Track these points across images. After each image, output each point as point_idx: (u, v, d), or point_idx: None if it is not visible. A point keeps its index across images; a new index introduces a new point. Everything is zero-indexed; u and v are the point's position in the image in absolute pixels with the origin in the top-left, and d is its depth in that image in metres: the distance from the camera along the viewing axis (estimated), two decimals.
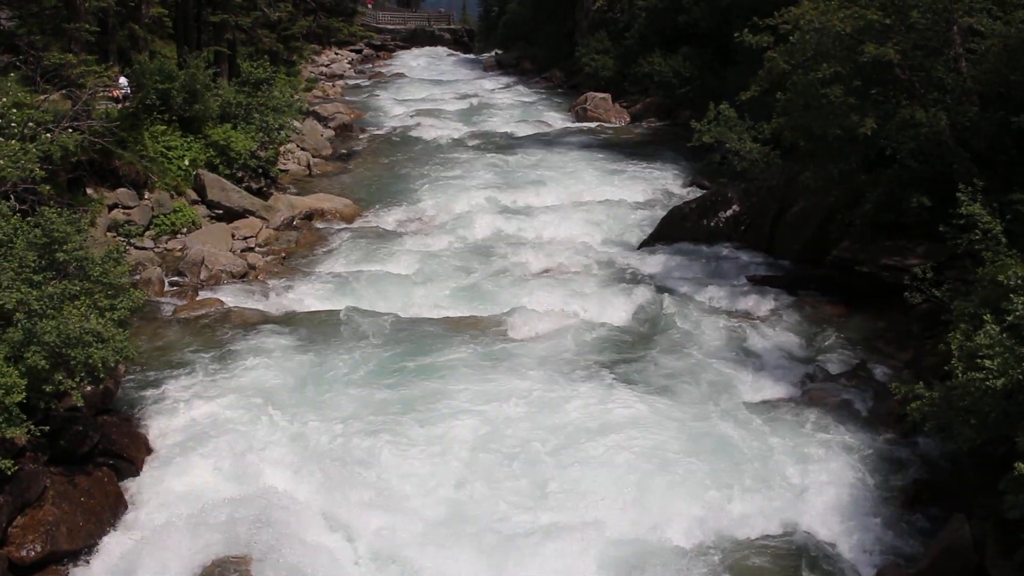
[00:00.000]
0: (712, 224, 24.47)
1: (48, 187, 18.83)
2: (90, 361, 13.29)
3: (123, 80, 27.05)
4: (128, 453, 14.22)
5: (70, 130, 20.49)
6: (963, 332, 12.38)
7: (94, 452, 13.85)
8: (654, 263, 23.23)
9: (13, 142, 18.38)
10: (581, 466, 13.87)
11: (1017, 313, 11.45)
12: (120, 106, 26.40)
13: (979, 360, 11.33)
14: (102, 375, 13.47)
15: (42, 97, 20.95)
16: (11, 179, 17.75)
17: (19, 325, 13.26)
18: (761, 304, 20.28)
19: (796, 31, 18.99)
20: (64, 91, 22.00)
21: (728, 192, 24.95)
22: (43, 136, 19.34)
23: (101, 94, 23.89)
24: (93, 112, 22.66)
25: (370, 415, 15.39)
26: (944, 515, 12.26)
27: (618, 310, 20.47)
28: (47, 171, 19.04)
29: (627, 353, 18.09)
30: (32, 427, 11.98)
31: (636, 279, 22.28)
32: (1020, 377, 10.71)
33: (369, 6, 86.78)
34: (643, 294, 20.95)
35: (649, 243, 25.03)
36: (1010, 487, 10.52)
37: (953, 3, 17.29)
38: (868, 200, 19.24)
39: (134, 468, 14.16)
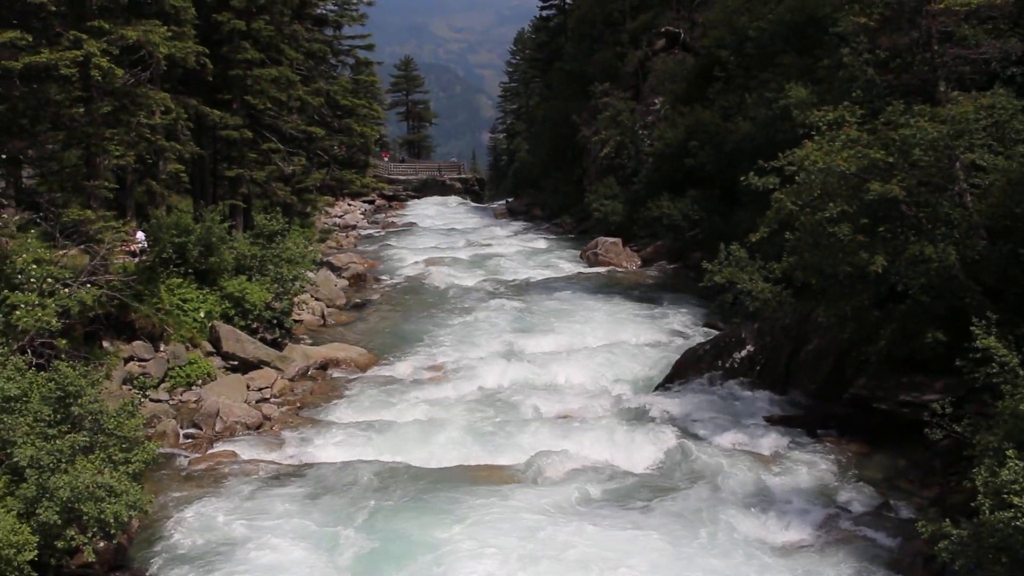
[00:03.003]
0: (727, 365, 24.44)
1: (65, 341, 19.01)
2: (103, 516, 13.20)
3: (140, 235, 27.54)
4: None
5: (88, 285, 20.81)
6: (987, 468, 12.22)
7: None
8: (670, 405, 23.09)
9: (32, 296, 18.63)
10: None
11: None
12: (137, 260, 26.84)
13: (1006, 496, 11.15)
14: (115, 530, 13.37)
15: (61, 253, 21.31)
16: (29, 332, 17.94)
17: (32, 480, 13.22)
18: (780, 444, 20.10)
19: (801, 172, 19.27)
20: (82, 246, 22.37)
21: (741, 332, 25.00)
22: (61, 291, 19.62)
23: (118, 249, 24.29)
24: (110, 267, 23.02)
25: (390, 571, 15.10)
26: None
27: (636, 454, 20.30)
28: (64, 325, 19.26)
29: (646, 498, 17.84)
30: None
31: (653, 422, 22.12)
32: None
33: (385, 159, 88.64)
34: (660, 437, 20.79)
35: (664, 385, 24.97)
36: None
37: (954, 140, 17.61)
38: (882, 336, 19.22)
39: None
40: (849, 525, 16.36)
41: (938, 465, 17.61)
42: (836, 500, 17.43)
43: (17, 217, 20.90)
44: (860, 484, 17.92)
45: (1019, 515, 10.80)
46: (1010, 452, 11.69)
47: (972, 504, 12.53)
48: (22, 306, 18.32)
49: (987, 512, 11.44)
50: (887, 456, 18.88)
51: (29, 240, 20.60)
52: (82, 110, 22.83)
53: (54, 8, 20.61)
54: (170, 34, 25.34)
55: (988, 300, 17.29)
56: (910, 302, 18.52)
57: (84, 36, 21.68)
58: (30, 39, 20.35)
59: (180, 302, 26.77)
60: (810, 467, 18.82)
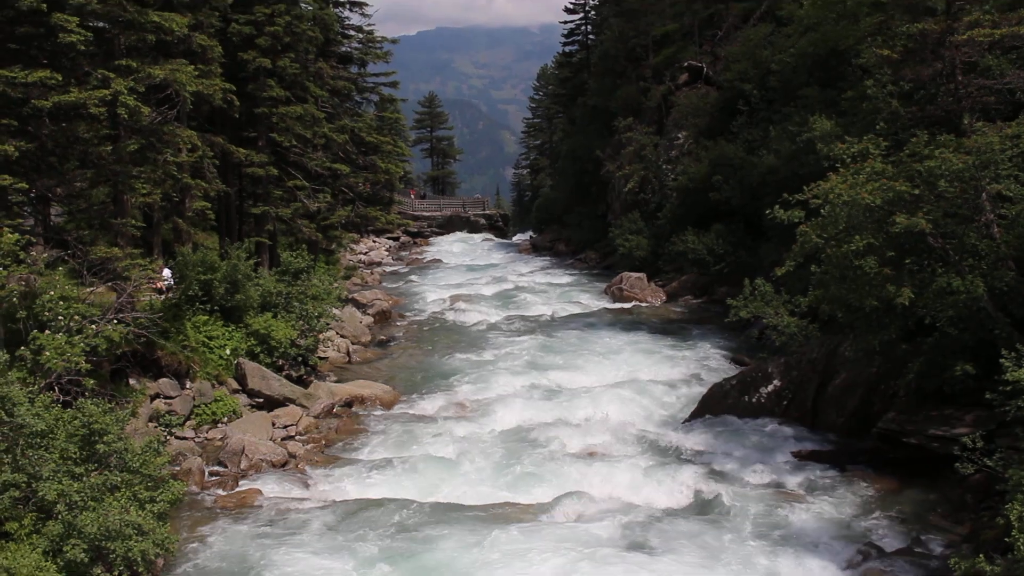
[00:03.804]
0: (753, 400, 24.32)
1: (92, 380, 19.12)
2: (130, 554, 13.25)
3: (167, 272, 27.75)
4: None
5: (115, 322, 20.95)
6: (1021, 502, 12.09)
7: None
8: (697, 441, 22.97)
9: (59, 336, 18.79)
10: None
11: None
12: (163, 297, 27.03)
13: None
14: (141, 569, 13.39)
15: (88, 290, 21.50)
16: (56, 371, 18.09)
17: (59, 517, 13.30)
18: (808, 480, 19.94)
19: (826, 205, 19.25)
20: (109, 283, 22.55)
21: (768, 367, 24.88)
22: (88, 328, 19.77)
23: (145, 286, 24.48)
24: (137, 304, 23.19)
25: None
26: None
27: (662, 491, 20.20)
28: (91, 362, 19.39)
29: (673, 536, 17.67)
30: None
31: (680, 458, 22.01)
32: None
33: (412, 196, 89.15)
34: (688, 474, 20.68)
35: (691, 421, 24.86)
36: None
37: (980, 171, 17.55)
38: (911, 370, 19.11)
39: None
40: (880, 563, 16.14)
41: (970, 500, 17.42)
42: (867, 536, 17.22)
43: (45, 255, 21.13)
44: (891, 520, 17.72)
45: None
46: None
47: (1006, 540, 12.41)
48: (50, 348, 18.47)
49: (1021, 548, 11.30)
50: (918, 491, 18.67)
51: (57, 277, 20.81)
52: (110, 148, 23.10)
53: (83, 47, 20.92)
54: (197, 72, 25.66)
55: (1018, 332, 17.16)
56: (938, 335, 18.43)
57: (112, 75, 21.98)
58: (59, 78, 20.65)
59: (206, 339, 26.93)
60: (839, 503, 18.64)
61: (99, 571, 13.33)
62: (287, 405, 26.20)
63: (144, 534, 13.83)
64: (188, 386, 24.91)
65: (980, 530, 16.22)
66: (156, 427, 22.86)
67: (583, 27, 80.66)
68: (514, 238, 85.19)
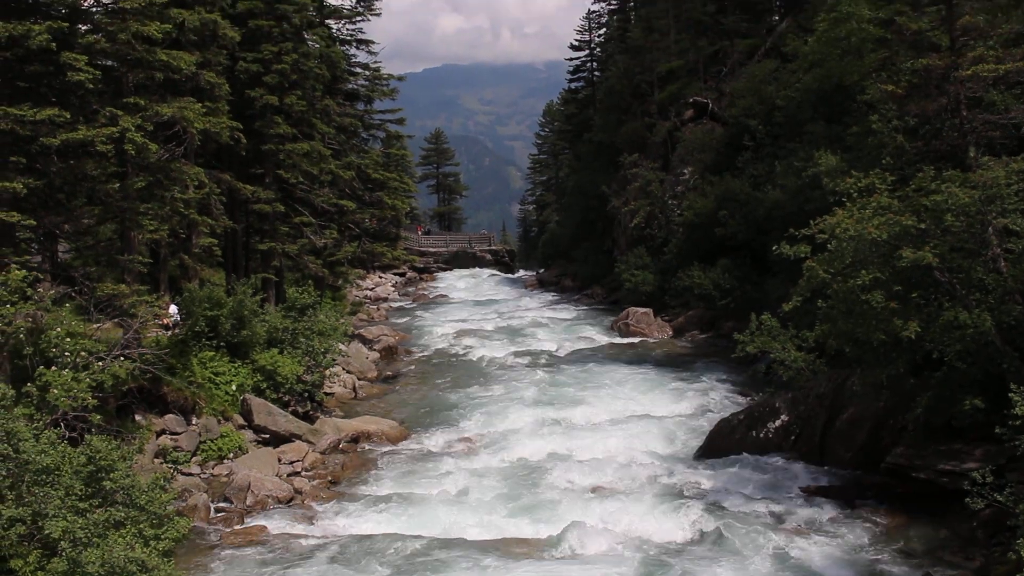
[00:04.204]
0: (761, 435, 24.23)
1: (98, 416, 19.11)
2: None
3: (173, 308, 27.81)
4: None
5: (121, 358, 20.97)
6: None
7: None
8: (704, 477, 22.86)
9: (66, 372, 18.81)
10: None
11: None
12: (170, 333, 27.06)
13: None
14: None
15: (95, 326, 21.54)
16: (62, 408, 18.09)
17: (64, 555, 13.24)
18: (817, 516, 19.82)
19: (833, 240, 19.26)
20: (116, 320, 22.59)
21: (775, 402, 24.80)
22: (95, 365, 19.79)
23: (152, 322, 24.52)
24: (144, 340, 23.20)
25: None
26: None
27: (669, 527, 20.05)
28: (98, 399, 19.40)
29: (681, 573, 17.56)
30: None
31: (687, 494, 21.89)
32: None
33: (419, 232, 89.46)
34: (694, 510, 20.56)
35: (698, 456, 24.76)
36: None
37: (986, 205, 17.57)
38: (919, 404, 19.04)
39: None
40: None
41: (980, 535, 17.31)
42: (876, 572, 17.11)
43: (52, 291, 21.19)
44: (900, 555, 17.61)
45: None
46: None
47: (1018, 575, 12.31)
48: (57, 384, 18.50)
49: None
50: (927, 526, 18.57)
51: (63, 314, 20.86)
52: (117, 185, 23.23)
53: (92, 86, 21.09)
54: (204, 110, 25.86)
55: None
56: (946, 369, 18.37)
57: (120, 112, 22.15)
58: (68, 116, 20.80)
59: (212, 375, 26.94)
60: (848, 539, 18.54)
61: None
62: (293, 441, 26.16)
63: (149, 571, 13.75)
64: (194, 422, 24.90)
65: (991, 566, 16.11)
66: (162, 463, 22.84)
67: (588, 64, 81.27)
68: (520, 273, 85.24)
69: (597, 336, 44.81)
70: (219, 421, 25.50)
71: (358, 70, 58.31)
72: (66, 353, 19.65)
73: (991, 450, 17.52)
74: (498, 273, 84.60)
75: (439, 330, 48.43)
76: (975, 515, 17.05)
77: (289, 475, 24.32)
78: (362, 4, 55.79)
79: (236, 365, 27.89)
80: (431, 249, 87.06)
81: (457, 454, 26.13)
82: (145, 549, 14.19)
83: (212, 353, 27.37)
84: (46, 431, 16.13)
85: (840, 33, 33.60)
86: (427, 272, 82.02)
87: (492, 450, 26.19)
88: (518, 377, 35.22)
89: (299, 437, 26.38)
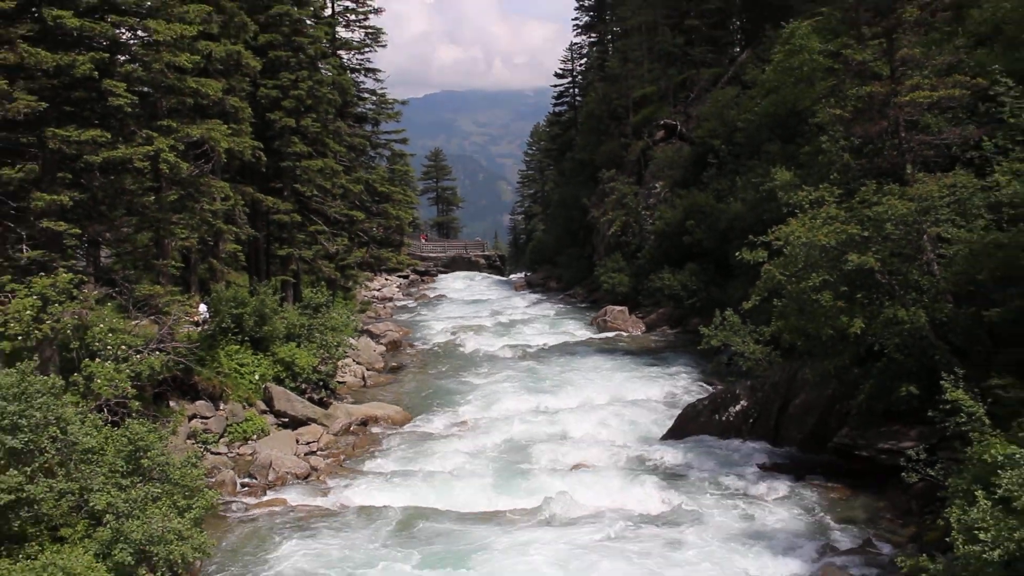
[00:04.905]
0: (723, 419, 24.37)
1: (137, 403, 19.21)
2: (171, 557, 13.28)
3: (203, 307, 27.84)
4: None
5: (156, 351, 21.10)
6: (959, 507, 12.17)
7: None
8: (672, 455, 22.99)
9: (108, 364, 18.92)
10: None
11: (1005, 488, 11.28)
12: (200, 329, 27.12)
13: (976, 532, 11.10)
14: (181, 570, 13.41)
15: (133, 323, 21.61)
16: (105, 395, 18.17)
17: (108, 525, 13.32)
18: (771, 489, 19.99)
19: (787, 246, 19.41)
20: (152, 317, 22.66)
21: (736, 389, 24.95)
22: (134, 357, 19.89)
23: (183, 319, 24.57)
24: (176, 335, 23.27)
25: None
26: None
27: (642, 497, 20.22)
28: (136, 387, 19.51)
29: (650, 536, 17.73)
30: None
31: (657, 470, 22.05)
32: (1014, 547, 10.46)
33: (423, 240, 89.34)
34: (664, 483, 20.75)
35: (667, 437, 24.88)
36: None
37: (922, 216, 17.77)
38: (862, 391, 19.23)
39: None
40: (835, 559, 16.19)
41: (915, 506, 17.48)
42: (823, 538, 17.27)
43: (96, 292, 21.20)
44: (845, 524, 17.79)
45: (987, 549, 10.73)
46: (979, 493, 11.64)
47: (946, 540, 12.47)
48: (100, 374, 18.63)
49: (960, 547, 11.36)
50: (869, 498, 18.75)
51: (106, 312, 20.94)
52: (153, 198, 23.23)
53: (130, 109, 21.11)
54: (230, 131, 25.87)
55: (955, 357, 17.30)
56: (886, 360, 18.56)
57: (155, 134, 22.16)
58: (108, 136, 20.82)
59: (237, 366, 27.00)
60: (799, 509, 18.71)
61: (143, 572, 13.35)
62: (309, 424, 26.22)
63: (184, 539, 13.85)
64: (222, 407, 24.96)
65: (924, 532, 16.28)
66: (193, 444, 22.91)
67: (571, 90, 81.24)
68: (510, 276, 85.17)
69: (578, 331, 44.87)
70: (244, 407, 25.56)
71: (366, 95, 58.19)
72: (108, 347, 19.76)
73: (924, 431, 17.68)
74: (491, 276, 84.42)
75: (439, 326, 48.44)
76: (910, 488, 17.21)
77: (306, 454, 24.38)
78: (370, 37, 55.60)
79: (259, 357, 27.95)
80: (431, 254, 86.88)
81: (455, 435, 26.22)
82: (180, 519, 14.29)
83: (237, 347, 27.42)
84: (91, 416, 16.23)
85: (794, 63, 33.70)
86: (428, 275, 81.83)
87: (485, 432, 26.28)
88: (509, 367, 35.31)
89: (315, 421, 26.45)
